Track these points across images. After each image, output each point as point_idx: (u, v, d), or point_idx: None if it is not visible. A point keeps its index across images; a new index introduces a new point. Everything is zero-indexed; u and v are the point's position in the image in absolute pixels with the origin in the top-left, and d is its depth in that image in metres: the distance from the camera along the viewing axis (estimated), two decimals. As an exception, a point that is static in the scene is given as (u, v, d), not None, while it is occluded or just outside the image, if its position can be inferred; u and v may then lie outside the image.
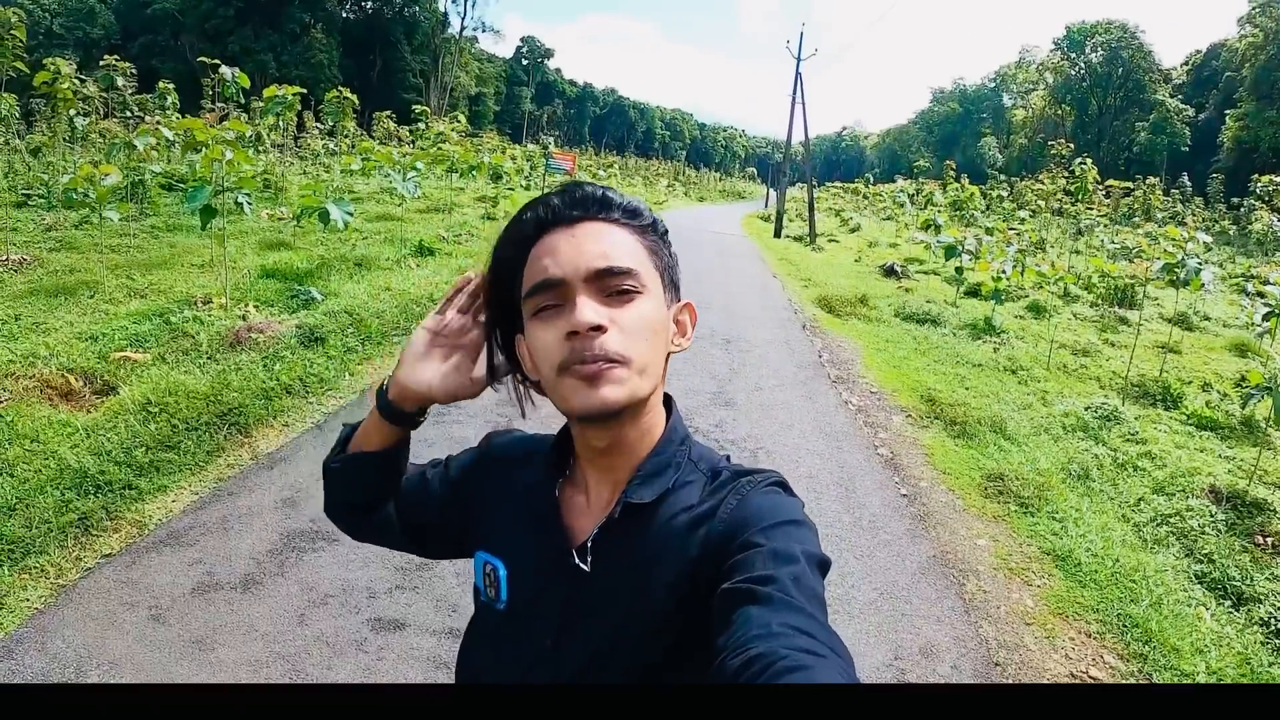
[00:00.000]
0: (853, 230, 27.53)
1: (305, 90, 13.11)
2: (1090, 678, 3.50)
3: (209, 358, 5.83)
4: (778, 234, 25.05)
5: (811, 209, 24.18)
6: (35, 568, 3.50)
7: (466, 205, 18.02)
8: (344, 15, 65.15)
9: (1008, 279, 11.16)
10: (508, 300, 1.00)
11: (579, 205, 0.96)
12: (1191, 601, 4.15)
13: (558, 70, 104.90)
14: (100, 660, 2.96)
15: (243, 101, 14.66)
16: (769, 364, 8.17)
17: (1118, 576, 4.29)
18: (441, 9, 70.69)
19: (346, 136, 21.84)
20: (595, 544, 0.96)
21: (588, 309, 0.89)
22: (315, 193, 8.21)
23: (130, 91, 17.58)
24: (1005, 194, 32.51)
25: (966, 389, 7.61)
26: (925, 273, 16.07)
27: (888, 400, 7.23)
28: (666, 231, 1.03)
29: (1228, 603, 4.21)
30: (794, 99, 26.38)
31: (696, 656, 0.89)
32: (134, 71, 16.87)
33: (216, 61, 14.49)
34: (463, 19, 73.58)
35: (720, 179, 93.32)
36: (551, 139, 32.30)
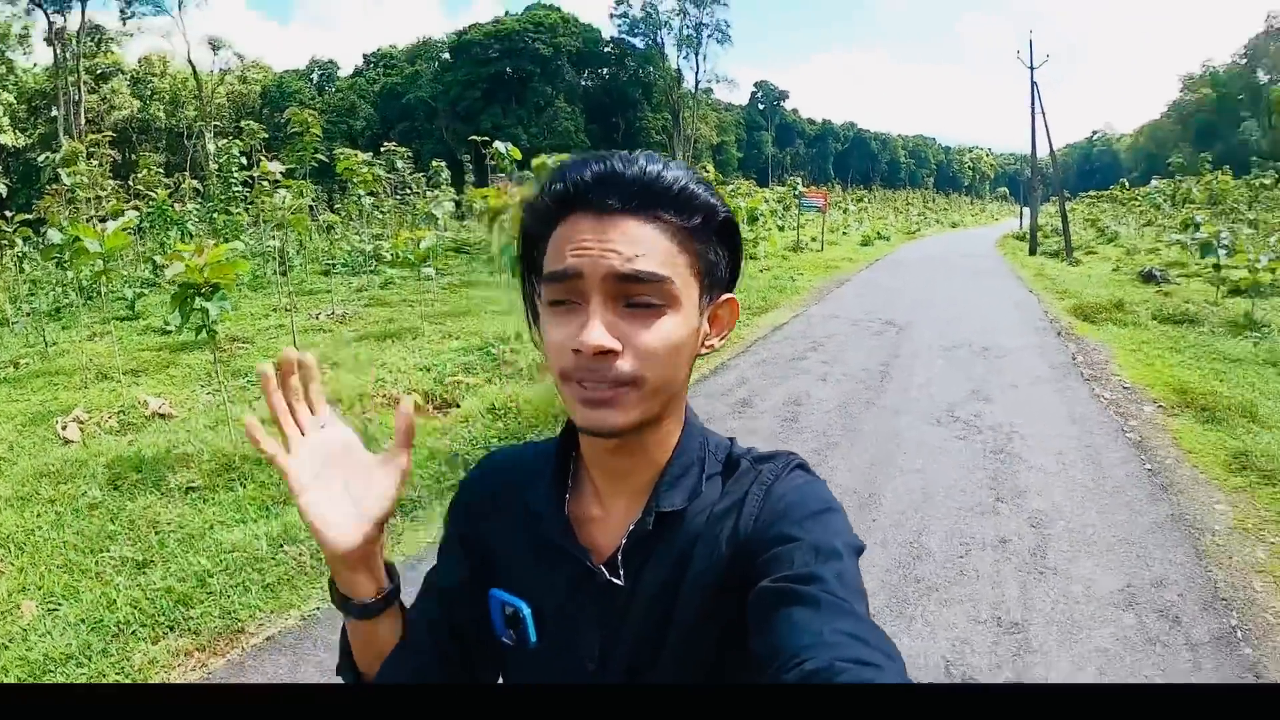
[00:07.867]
0: (1110, 240, 26.16)
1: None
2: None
3: (531, 380, 7.17)
4: (1033, 251, 24.31)
5: (1065, 222, 23.15)
6: (423, 518, 4.83)
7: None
8: (583, 84, 69.26)
9: (1268, 270, 10.71)
10: (534, 267, 0.89)
11: (616, 193, 0.81)
12: None
13: (794, 111, 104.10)
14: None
15: (508, 172, 16.56)
16: (1023, 365, 8.61)
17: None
18: (674, 67, 73.17)
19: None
20: (626, 556, 0.90)
21: (598, 330, 0.79)
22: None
23: (408, 172, 20.49)
24: (1271, 181, 29.39)
25: (1220, 381, 7.62)
26: (1187, 276, 15.26)
27: (1139, 394, 7.42)
28: (728, 219, 0.88)
29: None
30: (1033, 109, 25.44)
31: (733, 655, 0.87)
32: (410, 155, 19.63)
33: (488, 138, 16.39)
34: (696, 73, 75.58)
35: (971, 202, 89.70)
36: (799, 178, 32.67)
